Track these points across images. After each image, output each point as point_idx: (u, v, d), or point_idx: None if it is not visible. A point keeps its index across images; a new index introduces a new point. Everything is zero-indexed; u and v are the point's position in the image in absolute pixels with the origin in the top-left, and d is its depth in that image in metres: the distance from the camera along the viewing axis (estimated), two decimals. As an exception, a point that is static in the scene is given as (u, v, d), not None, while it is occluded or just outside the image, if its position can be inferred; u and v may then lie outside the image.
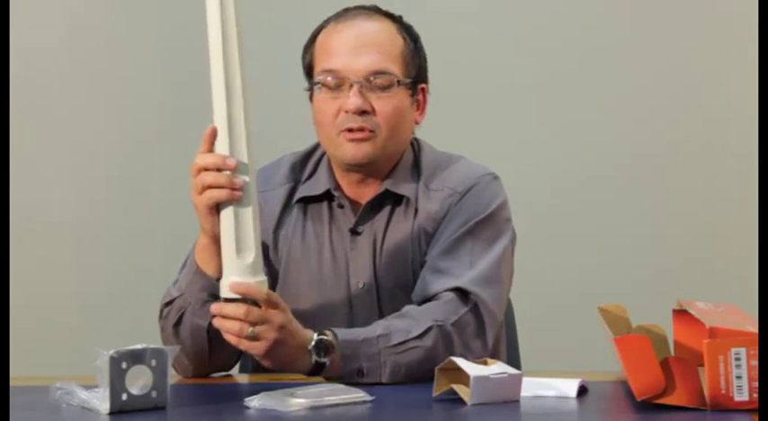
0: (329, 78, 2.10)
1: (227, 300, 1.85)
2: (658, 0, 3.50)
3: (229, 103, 1.84)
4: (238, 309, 1.84)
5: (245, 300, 1.84)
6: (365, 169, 2.14)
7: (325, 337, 1.92)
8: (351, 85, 2.09)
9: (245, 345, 1.87)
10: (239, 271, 1.84)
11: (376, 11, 2.17)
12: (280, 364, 1.88)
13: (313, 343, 1.92)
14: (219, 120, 1.85)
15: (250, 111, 1.85)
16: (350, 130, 2.09)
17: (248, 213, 1.84)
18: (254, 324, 1.84)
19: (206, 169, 1.84)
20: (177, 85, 3.56)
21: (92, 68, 3.62)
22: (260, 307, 1.85)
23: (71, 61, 3.62)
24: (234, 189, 1.83)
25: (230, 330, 1.86)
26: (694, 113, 3.48)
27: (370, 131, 2.10)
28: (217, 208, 1.86)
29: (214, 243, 1.90)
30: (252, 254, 1.84)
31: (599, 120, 3.50)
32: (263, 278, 1.86)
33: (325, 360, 1.91)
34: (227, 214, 1.85)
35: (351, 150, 2.10)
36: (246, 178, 1.84)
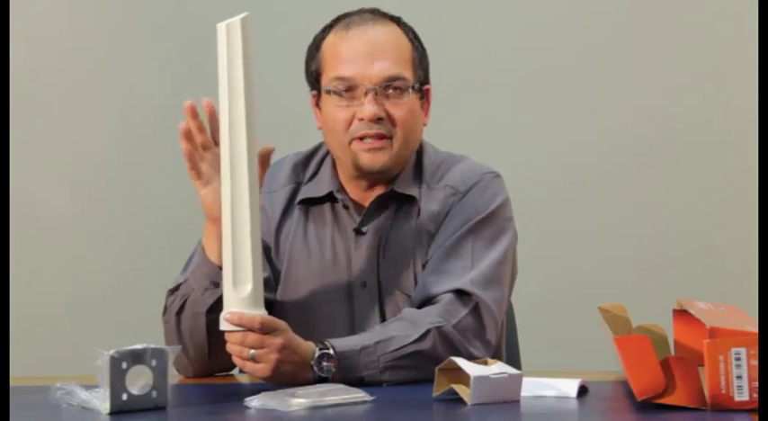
0: (341, 86, 2.10)
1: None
2: (659, -2, 3.52)
3: (234, 152, 1.86)
4: (236, 336, 1.87)
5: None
6: (377, 176, 2.14)
7: (327, 351, 1.92)
8: (365, 93, 2.09)
9: (249, 368, 1.88)
10: (236, 303, 1.86)
11: (379, 14, 2.17)
12: (285, 382, 1.87)
13: (315, 357, 1.92)
14: (225, 152, 1.87)
15: (256, 155, 1.87)
16: (364, 138, 2.09)
17: (246, 246, 1.85)
18: (252, 347, 1.86)
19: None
20: (178, 83, 3.55)
21: (92, 66, 3.62)
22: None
23: (71, 59, 3.62)
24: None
25: (233, 353, 1.88)
26: (695, 112, 3.48)
27: (386, 137, 2.10)
28: (209, 184, 1.91)
29: (212, 223, 1.91)
30: (249, 286, 1.86)
31: (599, 119, 3.50)
32: (260, 311, 1.87)
33: (328, 375, 1.91)
34: (226, 246, 1.86)
35: (367, 161, 2.10)
36: (248, 218, 1.86)
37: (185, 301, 2.03)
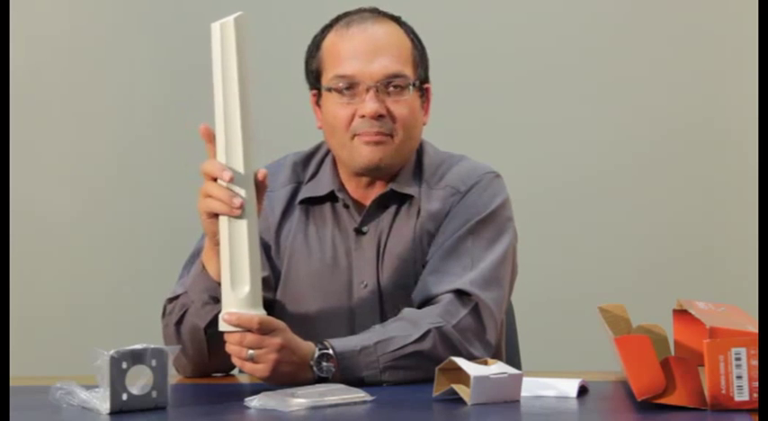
0: (342, 83, 2.10)
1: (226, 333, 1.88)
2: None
3: (229, 151, 1.84)
4: (234, 336, 1.86)
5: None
6: (378, 173, 2.14)
7: (327, 351, 1.92)
8: (367, 90, 2.09)
9: (248, 368, 1.88)
10: (235, 304, 1.85)
11: (379, 13, 2.17)
12: (284, 382, 1.87)
13: (315, 357, 1.91)
14: (221, 151, 1.85)
15: (251, 154, 1.85)
16: (365, 134, 2.09)
17: (244, 246, 1.84)
18: (251, 348, 1.86)
19: (208, 176, 1.85)
20: (178, 83, 3.56)
21: (92, 66, 3.62)
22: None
23: (71, 59, 3.62)
24: (232, 206, 1.83)
25: (232, 354, 1.88)
26: (695, 112, 3.48)
27: (387, 135, 2.10)
28: (216, 215, 1.86)
29: (215, 246, 1.90)
30: (246, 287, 1.85)
31: (599, 119, 3.50)
32: (259, 311, 1.87)
33: (328, 375, 1.91)
34: (224, 247, 1.85)
35: (367, 155, 2.10)
36: (245, 219, 1.85)
37: (185, 313, 2.02)
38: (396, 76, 2.10)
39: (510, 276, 2.16)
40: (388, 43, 2.12)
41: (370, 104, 2.08)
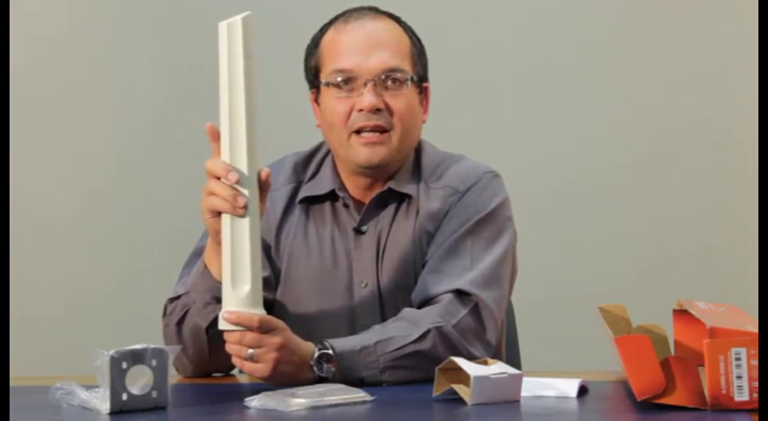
0: (340, 78, 2.10)
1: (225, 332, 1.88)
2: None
3: (233, 150, 1.84)
4: (234, 335, 1.86)
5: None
6: (376, 171, 2.13)
7: (327, 351, 1.92)
8: (364, 84, 2.09)
9: (248, 368, 1.88)
10: (235, 303, 1.85)
11: (378, 11, 2.17)
12: (284, 382, 1.87)
13: (315, 357, 1.91)
14: (225, 151, 1.85)
15: (256, 154, 1.85)
16: (363, 131, 2.09)
17: (246, 245, 1.84)
18: (250, 347, 1.86)
19: (211, 175, 1.85)
20: (178, 83, 3.56)
21: (92, 66, 3.62)
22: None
23: (71, 59, 3.62)
24: (236, 205, 1.83)
25: (232, 353, 1.88)
26: (695, 112, 3.48)
27: (384, 130, 2.10)
28: (219, 214, 1.86)
29: (217, 245, 1.90)
30: (247, 286, 1.85)
31: (599, 119, 3.50)
32: (260, 310, 1.87)
33: (328, 375, 1.91)
34: (226, 245, 1.85)
35: (366, 154, 2.10)
36: (247, 218, 1.85)
37: (186, 313, 2.02)
38: (394, 70, 2.10)
39: (510, 276, 2.16)
40: (387, 38, 2.12)
41: (367, 97, 2.08)
